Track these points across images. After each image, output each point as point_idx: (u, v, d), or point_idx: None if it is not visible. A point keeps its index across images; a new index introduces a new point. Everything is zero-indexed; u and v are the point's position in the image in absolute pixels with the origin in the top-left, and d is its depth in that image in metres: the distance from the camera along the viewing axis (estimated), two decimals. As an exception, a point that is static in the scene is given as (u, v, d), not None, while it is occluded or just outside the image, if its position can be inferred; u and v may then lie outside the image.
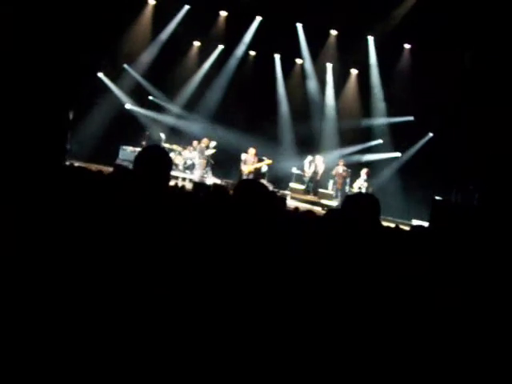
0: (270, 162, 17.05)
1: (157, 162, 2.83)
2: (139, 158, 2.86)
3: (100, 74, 17.31)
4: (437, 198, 14.49)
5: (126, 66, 18.07)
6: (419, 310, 2.50)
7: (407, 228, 8.11)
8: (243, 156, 16.79)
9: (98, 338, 2.25)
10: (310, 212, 6.72)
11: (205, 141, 17.17)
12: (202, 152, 17.08)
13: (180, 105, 19.19)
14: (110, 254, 2.46)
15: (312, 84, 19.14)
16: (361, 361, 2.24)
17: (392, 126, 18.32)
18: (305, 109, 19.08)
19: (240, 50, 19.04)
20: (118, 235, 2.54)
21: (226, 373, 2.23)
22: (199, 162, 17.03)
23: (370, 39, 17.87)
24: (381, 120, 18.47)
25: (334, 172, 17.80)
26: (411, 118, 17.61)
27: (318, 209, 15.08)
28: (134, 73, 18.34)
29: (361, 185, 16.93)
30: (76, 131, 15.20)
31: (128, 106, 18.51)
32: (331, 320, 2.32)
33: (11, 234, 2.54)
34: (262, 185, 3.01)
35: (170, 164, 2.92)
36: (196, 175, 16.72)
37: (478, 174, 14.47)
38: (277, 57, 19.41)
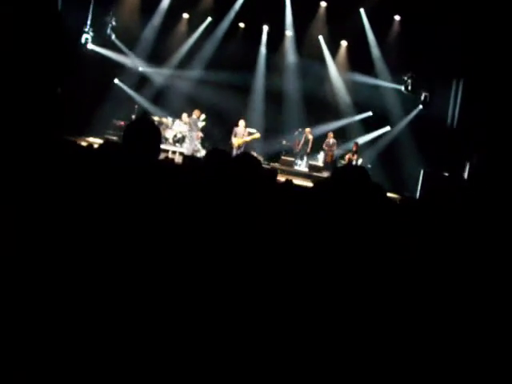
0: (258, 135, 17.02)
1: (145, 134, 2.80)
2: (128, 131, 2.84)
3: (90, 46, 17.01)
4: (427, 170, 14.57)
5: (113, 38, 17.83)
6: (409, 282, 2.52)
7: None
8: (234, 129, 16.75)
9: (85, 309, 2.25)
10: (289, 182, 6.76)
11: (196, 112, 16.72)
12: (194, 123, 16.63)
13: (171, 67, 19.21)
14: (98, 229, 2.45)
15: (291, 57, 19.03)
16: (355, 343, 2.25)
17: (382, 98, 18.24)
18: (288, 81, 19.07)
19: (228, 21, 18.89)
20: (107, 209, 2.53)
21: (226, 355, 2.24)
22: (192, 134, 16.65)
23: (362, 11, 17.75)
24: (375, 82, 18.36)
25: (324, 145, 17.82)
26: (402, 88, 17.54)
27: (308, 181, 15.12)
28: (121, 45, 18.15)
29: (350, 157, 16.98)
30: (65, 105, 15.02)
31: (116, 80, 18.39)
32: (321, 294, 2.33)
33: None
34: (257, 160, 3.03)
35: (158, 137, 2.89)
36: (189, 148, 16.52)
37: (470, 147, 14.52)
38: (265, 28, 19.35)
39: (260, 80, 19.30)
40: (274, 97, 18.77)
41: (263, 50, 19.50)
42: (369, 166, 16.88)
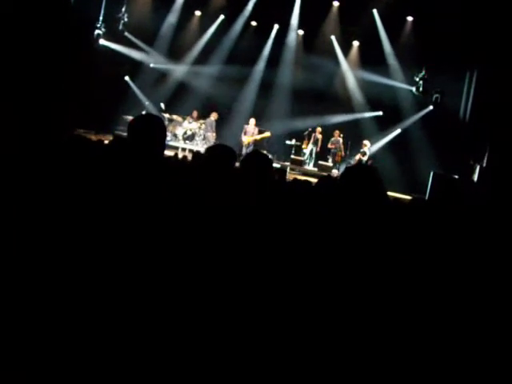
0: (268, 134, 17.10)
1: (149, 129, 2.79)
2: (131, 126, 2.82)
3: (102, 41, 16.99)
4: (437, 171, 14.49)
5: (126, 33, 17.83)
6: (416, 282, 2.49)
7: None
8: (244, 127, 16.87)
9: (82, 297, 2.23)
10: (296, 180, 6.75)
11: (214, 114, 17.43)
12: (211, 125, 17.37)
13: (183, 63, 19.26)
14: (99, 226, 2.44)
15: (302, 55, 19.01)
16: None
17: (393, 96, 18.10)
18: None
19: (241, 20, 18.93)
20: (110, 206, 2.51)
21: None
22: (207, 134, 17.26)
23: (375, 11, 17.68)
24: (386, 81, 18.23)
25: (330, 144, 17.75)
26: (413, 89, 17.40)
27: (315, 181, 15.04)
28: (135, 40, 18.17)
29: (360, 157, 16.88)
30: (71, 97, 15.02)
31: (127, 78, 18.45)
32: (328, 290, 2.31)
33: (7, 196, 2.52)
34: (268, 158, 3.05)
35: (163, 131, 2.87)
36: (202, 147, 16.83)
37: (480, 149, 14.44)
38: (275, 27, 19.38)
39: (265, 75, 19.32)
40: (288, 92, 18.83)
41: (272, 46, 19.49)
42: (379, 165, 16.76)
